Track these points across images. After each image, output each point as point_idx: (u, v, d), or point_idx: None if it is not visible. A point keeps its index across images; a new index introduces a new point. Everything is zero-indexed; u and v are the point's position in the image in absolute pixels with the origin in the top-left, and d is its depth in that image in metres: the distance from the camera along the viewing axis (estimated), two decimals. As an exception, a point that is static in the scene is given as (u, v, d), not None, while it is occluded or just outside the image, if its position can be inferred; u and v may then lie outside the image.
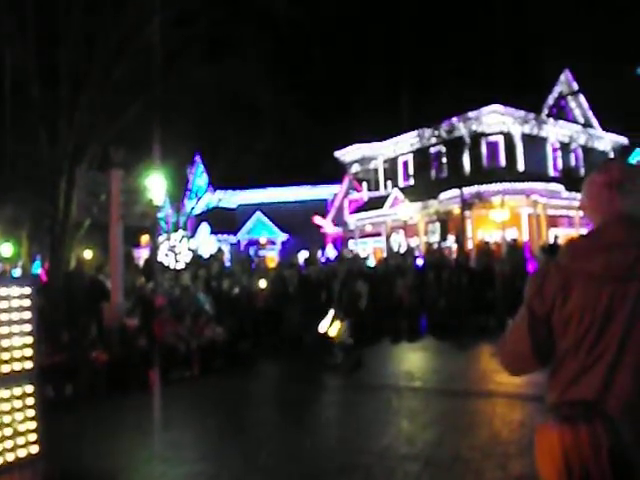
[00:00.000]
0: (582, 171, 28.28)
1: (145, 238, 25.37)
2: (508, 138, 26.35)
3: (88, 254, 20.84)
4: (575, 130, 28.82)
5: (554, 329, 2.12)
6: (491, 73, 22.65)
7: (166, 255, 22.52)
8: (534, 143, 26.53)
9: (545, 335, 2.13)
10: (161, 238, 24.02)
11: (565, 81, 28.14)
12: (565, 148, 28.62)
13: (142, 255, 20.30)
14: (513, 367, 2.25)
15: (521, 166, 26.42)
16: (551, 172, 27.75)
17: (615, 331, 2.02)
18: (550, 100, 26.82)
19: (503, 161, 26.59)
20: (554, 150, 28.34)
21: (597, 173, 2.25)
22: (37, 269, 21.17)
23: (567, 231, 25.47)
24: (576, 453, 1.93)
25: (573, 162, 28.97)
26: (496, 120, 25.61)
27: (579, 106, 29.81)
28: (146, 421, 7.71)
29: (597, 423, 1.93)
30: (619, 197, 2.15)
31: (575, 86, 28.10)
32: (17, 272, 19.56)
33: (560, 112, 26.73)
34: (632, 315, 2.01)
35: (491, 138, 26.29)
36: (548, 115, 26.08)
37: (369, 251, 26.52)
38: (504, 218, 23.66)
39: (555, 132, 27.46)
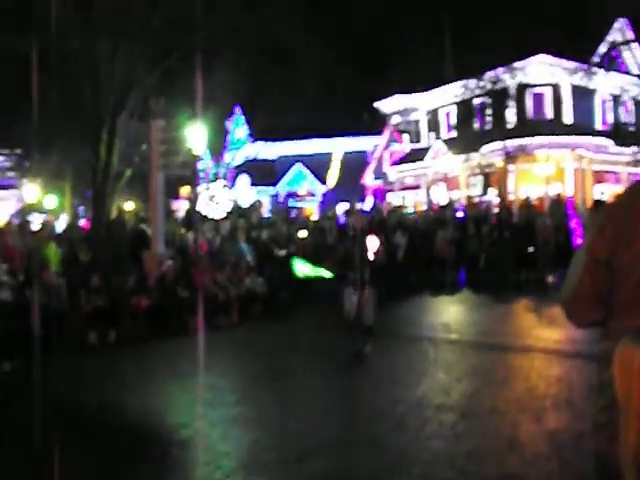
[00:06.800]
0: (633, 125, 27.29)
1: (184, 190, 25.60)
2: (555, 90, 25.51)
3: (129, 205, 21.11)
4: (627, 82, 27.68)
5: (616, 272, 2.01)
6: (539, 21, 21.78)
7: (206, 205, 22.72)
8: (583, 95, 25.61)
9: (605, 279, 2.02)
10: (200, 188, 24.20)
11: (619, 29, 26.92)
12: (616, 101, 27.59)
13: (181, 207, 20.48)
14: (575, 315, 2.15)
15: (568, 119, 25.62)
16: (599, 126, 26.86)
17: None
18: (602, 49, 25.75)
19: (549, 113, 25.81)
20: (603, 103, 27.37)
21: None
22: (80, 220, 21.57)
23: (614, 187, 24.80)
24: None
25: (623, 116, 27.94)
26: (543, 71, 24.78)
27: (633, 56, 28.56)
28: (186, 365, 7.88)
29: None
30: None
31: (630, 35, 26.87)
32: (61, 223, 19.98)
33: (612, 62, 25.64)
34: None
35: (537, 89, 25.48)
36: (599, 65, 25.08)
37: (410, 203, 26.32)
38: (548, 172, 23.11)
39: (606, 84, 26.42)
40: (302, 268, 9.00)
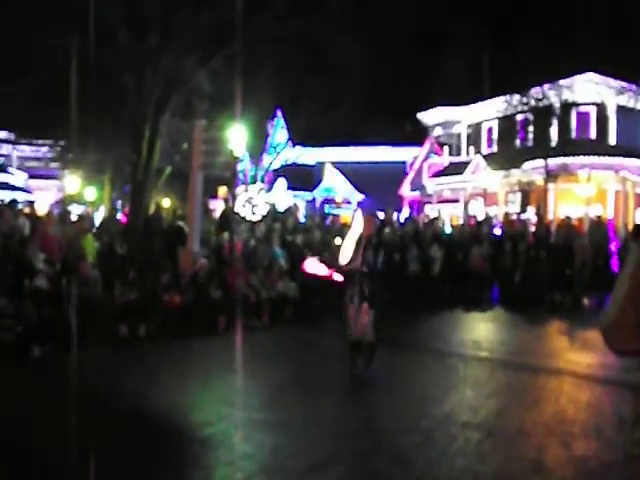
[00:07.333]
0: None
1: (222, 190, 25.83)
2: (601, 109, 25.10)
3: (167, 202, 21.36)
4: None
5: None
6: (587, 39, 21.45)
7: (243, 206, 22.88)
8: (629, 116, 25.13)
9: None
10: (239, 190, 24.36)
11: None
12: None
13: (217, 207, 20.66)
14: (615, 343, 2.09)
15: (612, 140, 25.17)
16: (645, 148, 26.31)
17: None
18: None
19: (594, 133, 25.40)
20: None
21: None
22: (118, 213, 21.90)
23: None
24: None
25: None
26: (589, 89, 24.39)
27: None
28: (213, 365, 7.93)
29: None
30: None
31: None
32: (99, 215, 20.34)
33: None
34: None
35: (582, 108, 25.11)
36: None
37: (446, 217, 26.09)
38: (589, 193, 22.74)
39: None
40: (313, 266, 8.25)
